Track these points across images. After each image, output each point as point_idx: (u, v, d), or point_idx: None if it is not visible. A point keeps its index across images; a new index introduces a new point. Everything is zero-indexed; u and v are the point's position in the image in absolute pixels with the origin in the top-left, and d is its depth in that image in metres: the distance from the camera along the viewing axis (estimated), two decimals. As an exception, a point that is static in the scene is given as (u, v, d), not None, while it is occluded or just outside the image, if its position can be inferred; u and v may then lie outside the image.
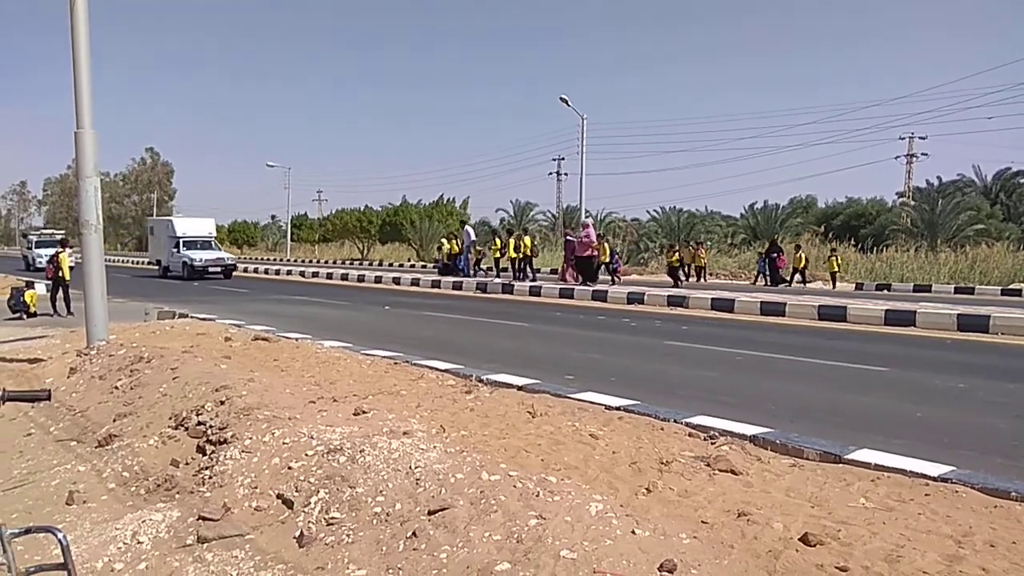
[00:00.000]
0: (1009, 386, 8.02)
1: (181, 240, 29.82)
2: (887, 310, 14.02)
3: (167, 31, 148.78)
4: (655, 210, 47.09)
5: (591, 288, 20.11)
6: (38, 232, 41.79)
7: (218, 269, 28.61)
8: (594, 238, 20.23)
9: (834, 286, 25.71)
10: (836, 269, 26.24)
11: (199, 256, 28.80)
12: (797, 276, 26.18)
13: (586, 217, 25.51)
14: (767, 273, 27.18)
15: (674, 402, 6.54)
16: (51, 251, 25.23)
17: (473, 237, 27.73)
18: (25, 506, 4.77)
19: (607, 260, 21.14)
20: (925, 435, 5.74)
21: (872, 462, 4.61)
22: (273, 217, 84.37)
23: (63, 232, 35.89)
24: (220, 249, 31.98)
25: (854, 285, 26.88)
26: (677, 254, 24.42)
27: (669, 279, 23.95)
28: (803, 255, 26.65)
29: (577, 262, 20.60)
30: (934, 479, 4.30)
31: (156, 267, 32.35)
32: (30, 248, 37.08)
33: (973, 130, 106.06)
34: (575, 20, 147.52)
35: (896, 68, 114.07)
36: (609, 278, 21.87)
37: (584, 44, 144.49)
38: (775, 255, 26.52)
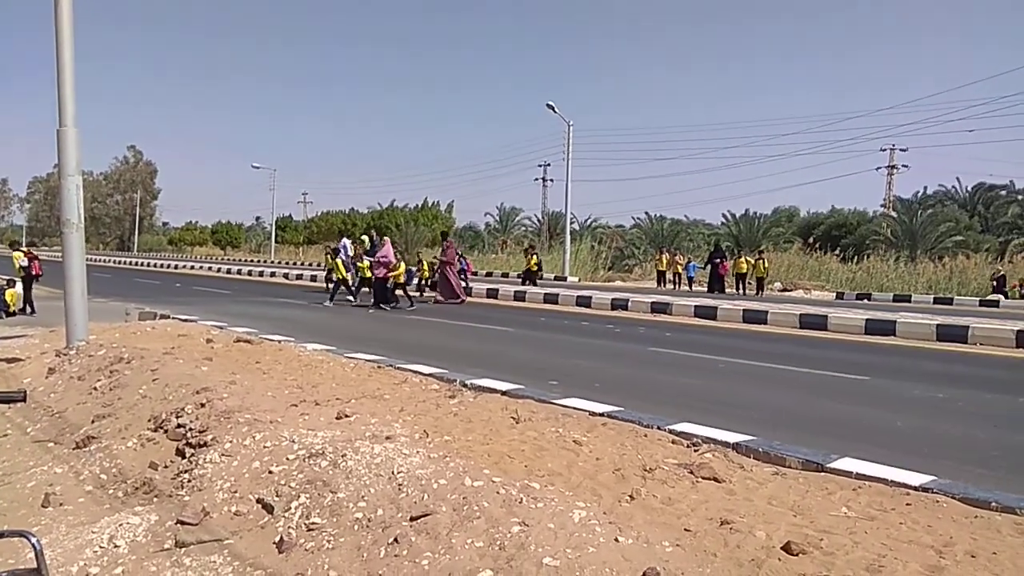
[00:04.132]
0: (987, 396, 8.11)
1: None
2: (867, 319, 14.14)
3: (151, 29, 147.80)
4: (639, 217, 47.43)
5: (575, 294, 20.16)
6: None
7: None
8: (392, 257, 17.87)
9: (759, 292, 25.47)
10: (763, 274, 25.93)
11: None
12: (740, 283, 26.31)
13: (377, 237, 20.96)
14: (692, 278, 28.12)
15: (658, 409, 6.54)
16: None
17: (350, 252, 20.52)
18: (-1, 508, 4.69)
19: (402, 281, 18.25)
20: (905, 444, 5.78)
21: (854, 471, 4.63)
22: (257, 219, 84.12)
23: None
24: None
25: (834, 294, 27.09)
26: (536, 257, 25.58)
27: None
28: (744, 262, 26.58)
29: (373, 283, 18.19)
30: (915, 488, 4.32)
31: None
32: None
33: (954, 143, 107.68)
34: (562, 27, 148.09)
35: (878, 81, 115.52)
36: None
37: (571, 51, 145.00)
38: (718, 260, 26.62)
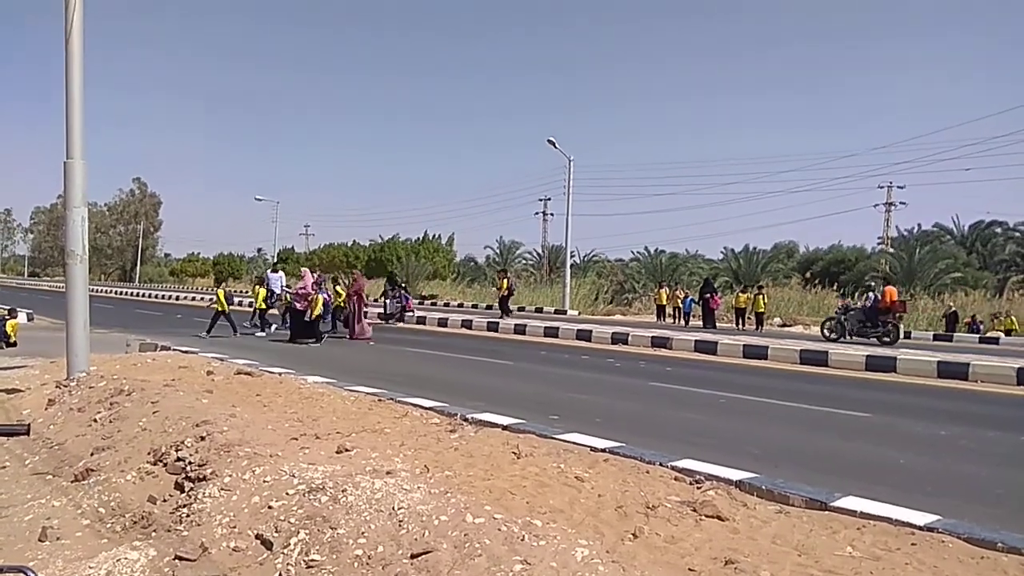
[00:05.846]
0: (989, 434, 8.08)
1: None
2: (868, 356, 14.13)
3: (155, 60, 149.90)
4: (638, 251, 47.56)
5: (575, 328, 20.16)
6: None
7: None
8: (310, 289, 16.92)
9: (758, 327, 25.08)
10: (762, 309, 25.50)
11: None
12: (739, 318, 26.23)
13: (306, 268, 19.82)
14: (688, 312, 28.03)
15: (659, 445, 6.50)
16: None
17: (282, 284, 20.93)
18: (-5, 542, 4.64)
19: (319, 314, 17.09)
20: (909, 482, 5.74)
21: (858, 510, 4.59)
22: (259, 250, 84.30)
23: None
24: None
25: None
26: (507, 281, 26.24)
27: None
28: (743, 296, 26.36)
29: (291, 316, 17.30)
30: (920, 528, 4.28)
31: None
32: None
33: (950, 181, 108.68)
34: (562, 63, 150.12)
35: (875, 119, 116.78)
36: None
37: (572, 85, 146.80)
38: (708, 295, 26.44)
